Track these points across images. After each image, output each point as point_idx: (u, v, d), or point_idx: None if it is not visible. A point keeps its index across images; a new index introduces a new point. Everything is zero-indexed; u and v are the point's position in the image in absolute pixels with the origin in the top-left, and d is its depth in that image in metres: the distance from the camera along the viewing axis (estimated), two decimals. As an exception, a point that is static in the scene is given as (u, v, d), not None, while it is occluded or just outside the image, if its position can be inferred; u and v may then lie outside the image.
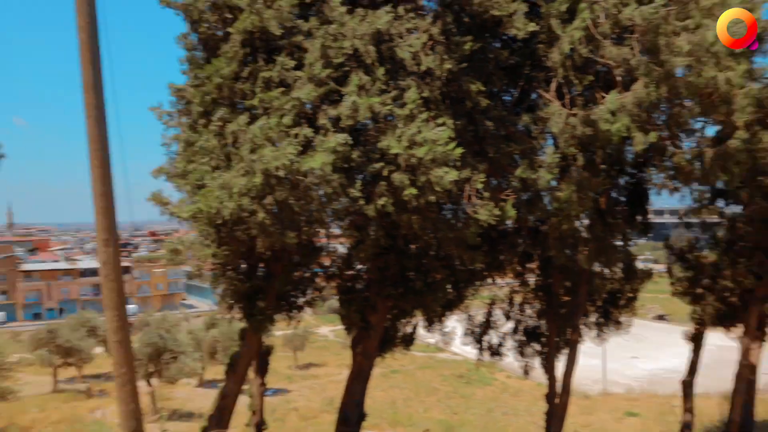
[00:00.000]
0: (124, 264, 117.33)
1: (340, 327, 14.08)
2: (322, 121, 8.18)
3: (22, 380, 45.41)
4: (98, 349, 56.44)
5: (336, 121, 8.14)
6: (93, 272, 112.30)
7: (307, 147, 7.91)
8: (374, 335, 12.62)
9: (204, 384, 53.97)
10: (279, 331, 45.34)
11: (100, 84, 6.72)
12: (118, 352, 7.19)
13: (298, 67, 8.28)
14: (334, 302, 14.96)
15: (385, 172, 8.37)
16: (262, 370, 14.54)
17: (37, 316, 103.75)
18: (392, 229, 9.66)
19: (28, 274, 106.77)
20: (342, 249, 13.29)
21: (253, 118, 8.09)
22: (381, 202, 8.39)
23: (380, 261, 11.13)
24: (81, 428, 31.92)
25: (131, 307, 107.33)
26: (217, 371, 60.46)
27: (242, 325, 12.42)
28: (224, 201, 7.40)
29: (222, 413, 12.70)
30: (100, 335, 58.45)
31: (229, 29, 8.28)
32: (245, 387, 13.76)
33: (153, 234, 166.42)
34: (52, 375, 51.62)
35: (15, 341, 67.59)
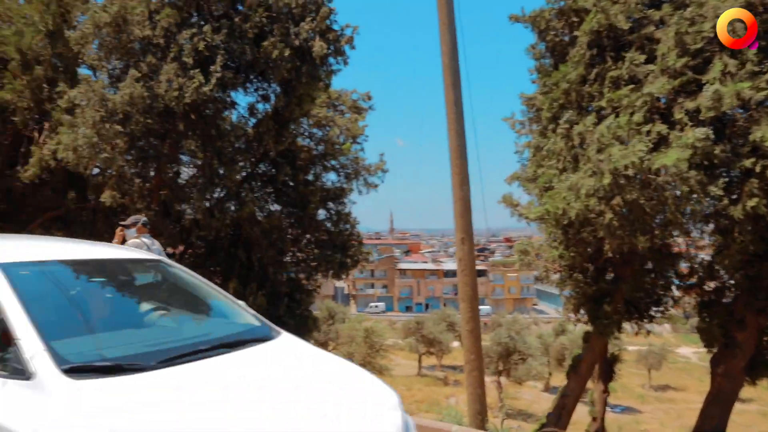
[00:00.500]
0: (481, 267, 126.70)
1: (705, 349, 12.24)
2: (678, 115, 7.57)
3: (395, 361, 52.87)
4: (455, 343, 61.81)
5: (694, 113, 7.43)
6: (454, 273, 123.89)
7: (659, 144, 7.43)
8: (740, 355, 10.86)
9: (549, 389, 54.03)
10: (632, 346, 42.47)
11: (460, 102, 7.68)
12: (468, 340, 7.95)
13: (650, 60, 7.85)
14: (697, 320, 13.20)
15: (757, 168, 7.26)
16: (606, 376, 13.99)
17: (408, 309, 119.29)
18: (765, 232, 8.25)
19: (402, 272, 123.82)
20: (704, 256, 11.81)
21: (601, 119, 8.00)
22: (751, 202, 7.29)
23: (750, 269, 9.55)
24: (437, 409, 35.72)
25: (485, 308, 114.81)
26: (563, 378, 59.73)
27: (587, 328, 12.21)
28: (571, 202, 7.53)
29: (561, 412, 12.74)
30: (458, 330, 64.20)
31: (576, 33, 8.40)
32: (587, 392, 13.45)
33: (508, 240, 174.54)
34: (417, 360, 58.55)
35: (391, 328, 79.41)
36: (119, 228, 7.84)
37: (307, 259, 14.41)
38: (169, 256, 17.00)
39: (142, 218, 7.93)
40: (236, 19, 10.71)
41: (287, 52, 10.55)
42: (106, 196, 11.49)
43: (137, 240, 7.85)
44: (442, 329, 60.45)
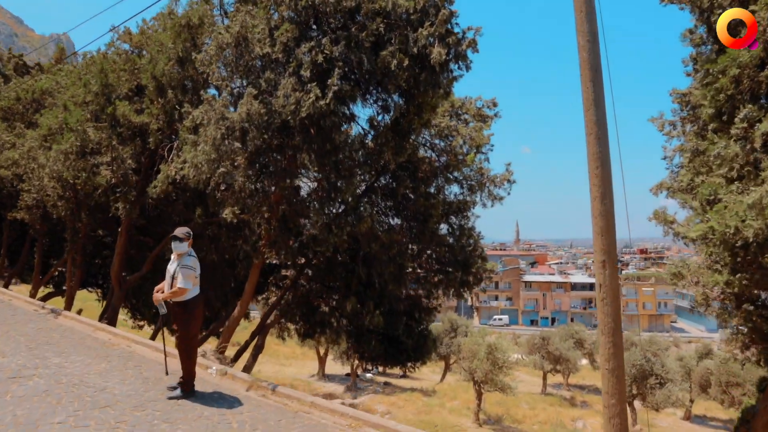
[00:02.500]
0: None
1: None
2: None
3: (518, 378, 50.83)
4: (584, 361, 58.21)
5: None
6: (583, 286, 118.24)
7: None
8: None
9: (691, 418, 49.01)
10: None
11: (602, 101, 6.58)
12: (609, 381, 6.74)
13: None
14: None
15: None
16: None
17: (533, 323, 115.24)
18: None
19: (528, 284, 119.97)
20: None
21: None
22: None
23: None
24: (563, 432, 33.37)
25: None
26: (707, 407, 53.90)
27: (763, 372, 10.25)
28: (748, 219, 6.13)
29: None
30: (587, 348, 60.54)
31: (753, 7, 6.93)
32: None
33: (643, 252, 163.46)
34: (542, 378, 55.94)
35: (515, 343, 76.78)
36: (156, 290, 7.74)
37: (427, 276, 13.72)
38: (283, 276, 17.40)
39: (187, 230, 7.77)
40: (353, 29, 10.32)
41: (406, 62, 9.98)
42: (228, 212, 11.59)
43: (194, 258, 7.69)
44: (569, 346, 57.42)
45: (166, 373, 8.99)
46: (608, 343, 6.72)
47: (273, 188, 12.00)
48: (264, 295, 17.01)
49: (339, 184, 10.44)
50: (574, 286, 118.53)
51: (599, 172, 6.53)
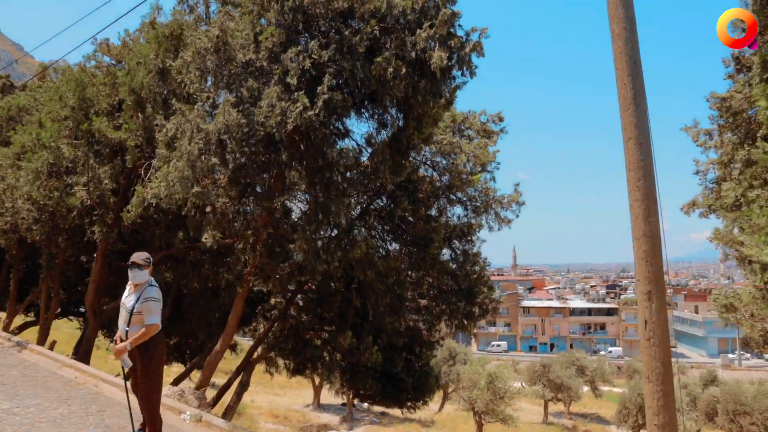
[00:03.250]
0: (612, 305, 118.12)
1: None
2: None
3: (519, 407, 49.24)
4: (585, 388, 57.00)
5: None
6: (581, 312, 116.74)
7: None
8: None
9: (698, 448, 47.44)
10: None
11: (643, 99, 5.53)
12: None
13: None
14: None
15: None
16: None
17: (531, 349, 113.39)
18: None
19: (526, 310, 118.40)
20: None
21: None
22: None
23: None
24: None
25: (616, 350, 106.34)
26: (715, 435, 52.43)
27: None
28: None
29: None
30: (588, 375, 59.12)
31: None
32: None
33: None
34: (543, 407, 54.48)
35: (514, 370, 75.09)
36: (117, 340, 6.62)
37: (428, 306, 12.50)
38: (272, 306, 16.15)
39: (146, 255, 6.75)
40: (346, 32, 9.31)
41: (403, 69, 8.95)
42: (207, 237, 10.43)
43: (157, 287, 6.63)
44: (570, 374, 56.10)
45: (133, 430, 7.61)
46: (657, 393, 5.55)
47: (258, 210, 10.87)
48: (251, 326, 15.74)
49: (330, 206, 9.30)
50: (573, 312, 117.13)
51: (642, 185, 5.44)
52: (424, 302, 12.52)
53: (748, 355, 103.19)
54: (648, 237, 5.46)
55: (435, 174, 12.20)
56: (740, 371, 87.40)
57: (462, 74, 9.57)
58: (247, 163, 9.57)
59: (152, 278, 6.68)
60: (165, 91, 12.61)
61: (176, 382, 14.29)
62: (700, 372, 61.21)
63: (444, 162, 12.12)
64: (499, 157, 13.21)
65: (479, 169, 12.38)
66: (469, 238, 12.80)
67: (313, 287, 11.89)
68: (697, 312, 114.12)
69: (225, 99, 8.71)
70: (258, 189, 10.07)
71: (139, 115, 12.48)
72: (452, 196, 12.13)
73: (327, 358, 12.06)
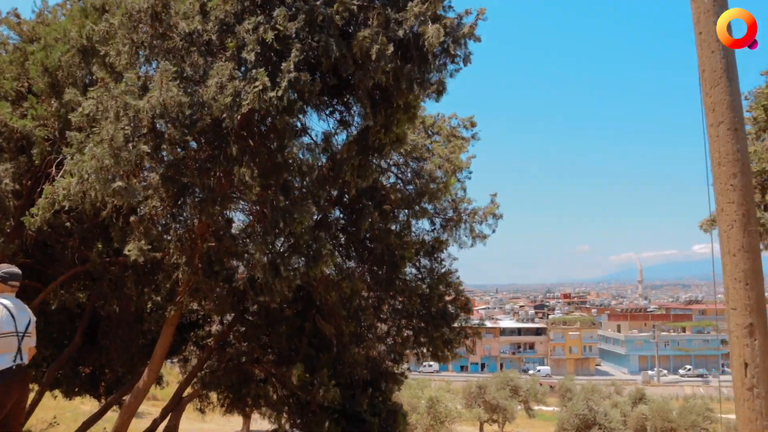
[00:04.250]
0: (540, 325, 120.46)
1: None
2: None
3: (454, 430, 48.10)
4: (518, 407, 57.34)
5: None
6: (511, 332, 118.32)
7: None
8: None
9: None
10: None
11: (735, 72, 4.22)
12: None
13: None
14: None
15: None
16: None
17: (463, 368, 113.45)
18: None
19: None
20: None
21: None
22: None
23: None
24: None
25: (545, 368, 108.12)
26: (643, 454, 53.41)
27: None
28: None
29: None
30: (521, 395, 59.15)
31: None
32: None
33: (566, 296, 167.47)
34: (479, 428, 53.97)
35: (447, 390, 74.19)
36: None
37: (397, 334, 10.81)
38: (207, 333, 13.88)
39: (7, 268, 5.65)
40: (317, 2, 7.61)
41: (390, 48, 7.35)
42: (132, 248, 8.35)
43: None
44: (506, 395, 55.88)
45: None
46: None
47: (197, 217, 8.89)
48: (181, 355, 13.44)
49: (292, 212, 7.50)
50: (503, 332, 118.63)
51: (738, 183, 4.07)
52: (385, 328, 10.84)
53: (666, 371, 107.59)
54: (748, 252, 4.07)
55: (398, 182, 10.56)
56: (659, 387, 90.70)
57: (454, 61, 8.09)
58: (186, 157, 7.64)
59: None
60: (88, 74, 10.43)
61: (87, 425, 11.85)
62: (629, 390, 62.59)
63: (414, 166, 10.57)
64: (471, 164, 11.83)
65: (453, 175, 10.95)
66: (438, 255, 11.31)
67: (259, 312, 9.97)
68: (619, 331, 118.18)
69: (162, 68, 6.78)
70: (197, 190, 8.11)
71: (53, 101, 10.22)
72: (422, 206, 10.54)
73: (273, 396, 10.12)
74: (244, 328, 10.63)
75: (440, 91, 8.14)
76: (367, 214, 9.07)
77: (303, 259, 7.79)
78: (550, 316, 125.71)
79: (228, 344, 10.85)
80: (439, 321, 10.49)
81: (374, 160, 8.51)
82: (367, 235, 9.62)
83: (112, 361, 13.94)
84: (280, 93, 7.16)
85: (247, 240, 9.33)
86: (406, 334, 10.86)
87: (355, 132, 8.99)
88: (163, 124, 7.06)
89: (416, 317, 10.76)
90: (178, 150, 7.24)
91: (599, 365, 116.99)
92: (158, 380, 13.62)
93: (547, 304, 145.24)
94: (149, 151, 7.01)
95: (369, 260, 9.88)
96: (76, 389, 16.21)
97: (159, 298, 9.52)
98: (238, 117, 7.23)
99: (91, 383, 16.11)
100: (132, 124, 7.16)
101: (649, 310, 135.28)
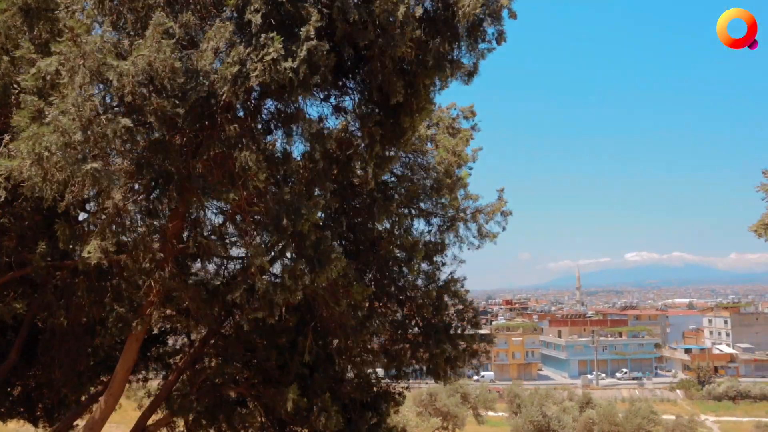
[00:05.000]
0: (484, 331, 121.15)
1: None
2: None
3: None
4: (467, 414, 57.43)
5: None
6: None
7: None
8: None
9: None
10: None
11: None
12: None
13: None
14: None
15: None
16: None
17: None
18: None
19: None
20: None
21: None
22: None
23: None
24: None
25: (488, 374, 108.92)
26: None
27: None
28: None
29: None
30: (471, 402, 59.09)
31: None
32: None
33: (508, 302, 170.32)
34: (430, 436, 53.34)
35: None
36: None
37: (399, 349, 9.56)
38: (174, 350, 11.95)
39: None
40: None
41: (419, 9, 6.21)
42: (93, 249, 6.80)
43: None
44: (456, 401, 55.64)
45: None
46: None
47: (172, 209, 7.43)
48: (139, 375, 11.64)
49: (299, 206, 6.20)
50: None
51: None
52: (385, 342, 9.55)
53: (603, 375, 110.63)
54: None
55: (408, 173, 9.32)
56: (598, 390, 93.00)
57: (485, 39, 7.01)
58: (175, 137, 6.22)
59: None
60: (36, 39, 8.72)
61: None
62: (575, 396, 63.63)
63: (419, 159, 9.38)
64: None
65: (465, 168, 9.86)
66: (439, 258, 10.15)
67: (239, 325, 8.51)
68: (560, 336, 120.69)
69: (156, 22, 5.33)
70: (176, 179, 6.64)
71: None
72: (425, 204, 9.35)
73: (258, 425, 8.65)
74: (220, 344, 9.16)
75: (471, 72, 7.04)
76: (379, 210, 7.84)
77: (306, 264, 6.48)
78: (494, 323, 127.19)
79: (201, 362, 9.33)
80: (440, 335, 9.33)
81: (401, 143, 7.28)
82: (378, 238, 8.37)
83: (55, 380, 12.06)
84: (295, 64, 5.86)
85: (231, 241, 7.94)
86: (401, 348, 9.62)
87: (351, 120, 7.77)
88: (146, 91, 5.61)
89: (414, 329, 9.59)
90: (164, 126, 5.80)
91: (541, 370, 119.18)
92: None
93: (490, 310, 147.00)
94: (131, 125, 5.54)
95: (374, 263, 8.62)
96: (6, 411, 14.09)
97: (123, 309, 7.96)
98: (242, 91, 5.88)
99: (25, 405, 14.06)
100: (108, 91, 5.68)
101: (587, 315, 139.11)
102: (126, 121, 5.56)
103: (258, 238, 6.46)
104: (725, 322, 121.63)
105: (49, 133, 5.06)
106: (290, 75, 5.89)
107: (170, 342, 11.20)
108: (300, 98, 6.29)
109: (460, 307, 10.08)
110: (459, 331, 9.61)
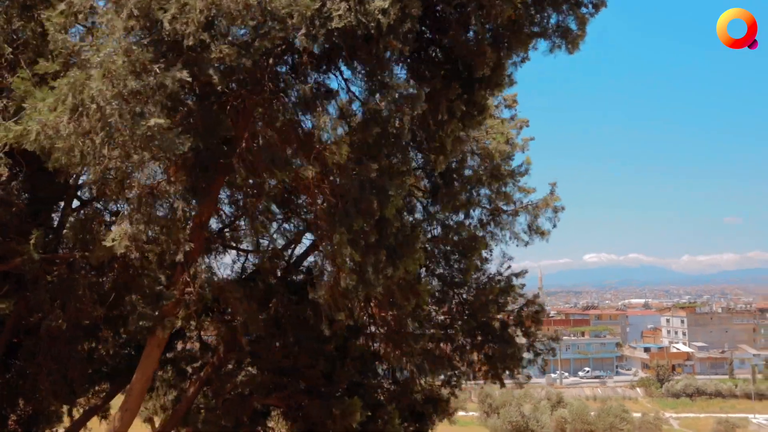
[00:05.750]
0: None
1: None
2: None
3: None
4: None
5: None
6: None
7: None
8: None
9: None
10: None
11: None
12: None
13: None
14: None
15: None
16: None
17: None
18: None
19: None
20: None
21: None
22: None
23: None
24: None
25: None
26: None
27: None
28: None
29: None
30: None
31: None
32: None
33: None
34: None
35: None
36: None
37: (462, 354, 8.51)
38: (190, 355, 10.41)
39: None
40: None
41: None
42: (119, 237, 5.54)
43: None
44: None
45: None
46: None
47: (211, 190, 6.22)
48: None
49: (387, 187, 5.13)
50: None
51: None
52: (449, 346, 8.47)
53: (567, 374, 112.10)
54: None
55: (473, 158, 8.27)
56: (562, 389, 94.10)
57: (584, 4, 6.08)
58: (228, 98, 5.03)
59: None
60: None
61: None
62: (545, 393, 63.99)
63: (475, 145, 8.34)
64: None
65: (516, 153, 8.89)
66: (485, 254, 9.15)
67: (279, 324, 7.29)
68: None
69: None
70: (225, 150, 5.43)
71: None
72: (504, 191, 8.33)
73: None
74: (249, 349, 7.88)
75: (576, 39, 6.08)
76: (443, 198, 6.79)
77: (395, 253, 5.41)
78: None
79: (225, 371, 8.03)
80: (500, 335, 8.33)
81: (476, 120, 6.25)
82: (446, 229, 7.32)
83: (37, 393, 10.56)
84: (386, 5, 4.77)
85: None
86: (470, 352, 8.57)
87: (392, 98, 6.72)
88: (206, 38, 4.41)
89: (466, 330, 8.57)
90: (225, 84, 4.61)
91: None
92: (104, 412, 10.39)
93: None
94: (188, 79, 4.34)
95: (440, 256, 7.55)
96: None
97: (146, 309, 6.67)
98: (321, 36, 4.75)
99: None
100: (154, 37, 4.46)
101: (551, 315, 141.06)
102: (183, 74, 4.35)
103: (342, 221, 5.27)
104: (682, 321, 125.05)
105: (99, 77, 3.81)
106: (379, 17, 4.80)
107: (179, 345, 9.84)
108: (386, 52, 5.18)
109: (522, 302, 9.13)
110: (521, 331, 8.65)
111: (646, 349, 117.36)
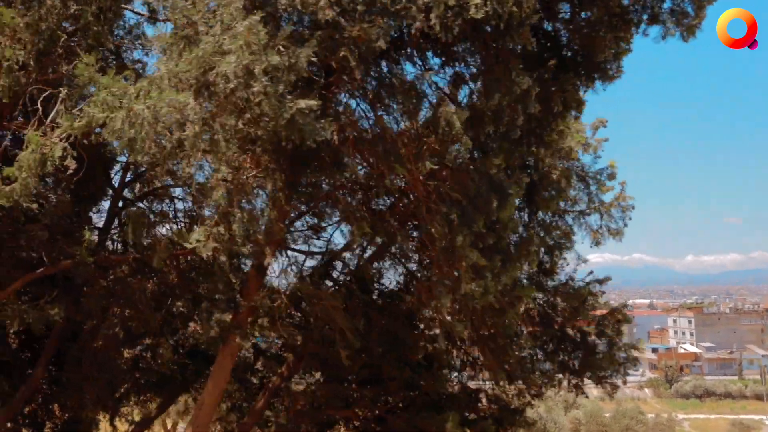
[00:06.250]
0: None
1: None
2: None
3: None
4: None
5: None
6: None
7: None
8: None
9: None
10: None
11: None
12: None
13: None
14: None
15: None
16: None
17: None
18: None
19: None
20: None
21: None
22: None
23: None
24: None
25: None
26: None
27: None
28: None
29: None
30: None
31: None
32: None
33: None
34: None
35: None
36: None
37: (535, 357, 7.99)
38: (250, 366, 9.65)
39: None
40: None
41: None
42: (202, 237, 5.04)
43: None
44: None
45: None
46: None
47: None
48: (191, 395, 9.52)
49: (506, 186, 4.64)
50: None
51: None
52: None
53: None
54: None
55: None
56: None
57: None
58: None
59: None
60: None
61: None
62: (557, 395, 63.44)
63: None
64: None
65: (595, 153, 8.37)
66: (558, 256, 8.63)
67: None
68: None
69: None
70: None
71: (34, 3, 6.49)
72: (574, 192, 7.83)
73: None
74: (321, 357, 7.35)
75: (693, 26, 5.62)
76: (557, 193, 6.27)
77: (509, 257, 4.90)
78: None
79: (291, 384, 7.49)
80: (583, 342, 7.82)
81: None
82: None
83: (78, 397, 10.05)
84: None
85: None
86: (546, 359, 8.07)
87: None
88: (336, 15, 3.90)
89: (543, 338, 8.04)
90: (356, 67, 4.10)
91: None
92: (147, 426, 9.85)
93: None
94: (315, 59, 3.83)
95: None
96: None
97: (223, 315, 6.14)
98: (456, 26, 4.25)
99: (32, 425, 11.97)
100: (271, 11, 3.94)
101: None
102: (308, 53, 3.82)
103: (444, 224, 4.75)
104: (689, 321, 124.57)
105: (238, 50, 3.26)
106: (513, 8, 4.30)
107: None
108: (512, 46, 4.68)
109: (604, 310, 8.62)
110: (614, 337, 8.12)
111: (654, 350, 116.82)
